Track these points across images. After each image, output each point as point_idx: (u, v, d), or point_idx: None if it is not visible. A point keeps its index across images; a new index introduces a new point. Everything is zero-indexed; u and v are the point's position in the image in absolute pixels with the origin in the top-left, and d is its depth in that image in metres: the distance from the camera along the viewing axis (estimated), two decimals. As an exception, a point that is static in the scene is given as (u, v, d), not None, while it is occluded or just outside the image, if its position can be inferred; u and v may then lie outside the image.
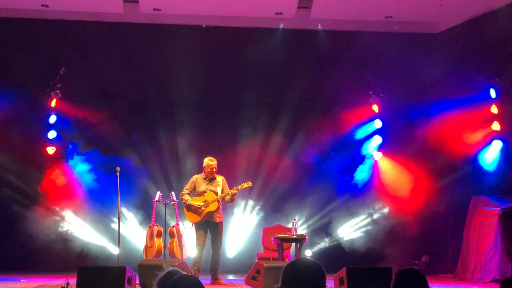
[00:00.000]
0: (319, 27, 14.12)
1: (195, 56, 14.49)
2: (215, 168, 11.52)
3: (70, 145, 15.17)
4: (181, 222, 12.06)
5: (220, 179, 11.57)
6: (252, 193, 14.96)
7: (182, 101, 15.42)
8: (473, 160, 14.25)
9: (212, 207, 11.28)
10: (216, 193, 11.36)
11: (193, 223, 11.53)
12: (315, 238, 15.16)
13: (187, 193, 11.56)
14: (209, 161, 11.53)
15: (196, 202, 11.36)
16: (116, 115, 15.37)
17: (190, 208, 11.42)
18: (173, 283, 3.54)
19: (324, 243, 15.27)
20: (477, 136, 14.18)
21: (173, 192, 12.14)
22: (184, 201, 11.53)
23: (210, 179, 11.54)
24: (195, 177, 11.73)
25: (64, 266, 14.18)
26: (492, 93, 14.03)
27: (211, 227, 11.40)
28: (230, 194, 11.36)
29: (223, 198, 11.43)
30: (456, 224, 14.35)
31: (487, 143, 14.14)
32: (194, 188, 11.59)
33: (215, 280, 11.33)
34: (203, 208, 11.26)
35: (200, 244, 11.35)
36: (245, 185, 11.49)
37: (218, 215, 11.39)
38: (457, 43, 14.10)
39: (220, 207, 11.49)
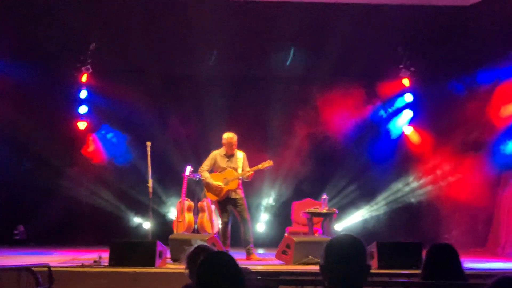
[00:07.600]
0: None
1: (225, 30, 14.43)
2: (235, 144, 11.42)
3: (101, 120, 15.29)
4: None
5: (241, 154, 11.44)
6: (282, 167, 14.95)
7: (211, 75, 15.40)
8: (506, 134, 14.07)
9: (232, 185, 11.20)
10: (236, 170, 11.27)
11: (213, 201, 11.58)
12: (345, 212, 15.12)
13: (207, 170, 11.46)
14: (229, 137, 11.43)
15: (216, 181, 11.27)
16: (146, 89, 15.39)
17: (209, 186, 11.38)
18: (203, 261, 3.51)
19: (354, 218, 15.25)
20: (509, 109, 13.99)
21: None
22: (203, 178, 11.47)
23: (230, 155, 11.43)
24: (214, 153, 11.59)
25: (96, 240, 14.35)
26: (526, 66, 13.83)
27: (233, 203, 11.31)
28: (250, 172, 11.28)
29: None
30: (486, 198, 14.24)
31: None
32: (214, 164, 11.52)
33: (248, 255, 11.14)
34: (223, 186, 11.21)
35: (225, 222, 11.30)
36: (266, 164, 11.35)
37: (238, 191, 11.30)
38: (490, 15, 13.86)
39: (240, 183, 11.40)
